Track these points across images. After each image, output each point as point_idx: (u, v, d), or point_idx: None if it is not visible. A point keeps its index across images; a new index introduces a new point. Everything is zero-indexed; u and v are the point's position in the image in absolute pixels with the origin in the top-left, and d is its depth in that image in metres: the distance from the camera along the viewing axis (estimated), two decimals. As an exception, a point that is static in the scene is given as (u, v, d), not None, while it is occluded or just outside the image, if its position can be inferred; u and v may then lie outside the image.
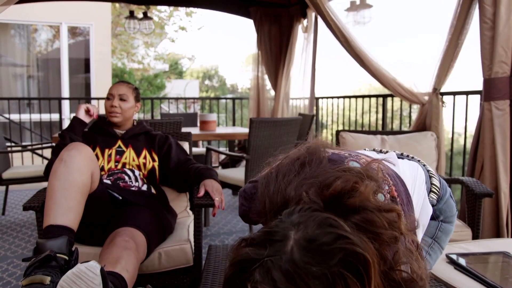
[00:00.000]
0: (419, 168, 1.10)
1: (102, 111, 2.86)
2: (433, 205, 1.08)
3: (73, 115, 2.19)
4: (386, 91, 3.05)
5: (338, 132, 2.52)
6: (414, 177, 1.06)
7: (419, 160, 1.17)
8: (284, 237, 0.63)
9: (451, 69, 2.50)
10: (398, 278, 0.68)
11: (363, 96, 4.16)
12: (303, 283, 0.58)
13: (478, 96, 2.37)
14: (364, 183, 0.73)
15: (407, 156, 1.18)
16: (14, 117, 5.97)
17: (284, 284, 0.59)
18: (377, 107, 3.92)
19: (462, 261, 1.37)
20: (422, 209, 1.04)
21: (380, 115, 3.87)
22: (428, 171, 1.12)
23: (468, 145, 2.43)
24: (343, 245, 0.61)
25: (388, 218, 0.69)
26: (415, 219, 0.93)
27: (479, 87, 2.28)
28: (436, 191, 1.09)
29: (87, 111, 1.96)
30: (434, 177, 1.11)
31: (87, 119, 1.95)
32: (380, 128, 3.92)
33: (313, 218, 0.65)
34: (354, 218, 0.67)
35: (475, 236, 1.81)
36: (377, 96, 3.93)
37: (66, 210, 1.31)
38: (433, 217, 1.12)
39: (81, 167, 1.40)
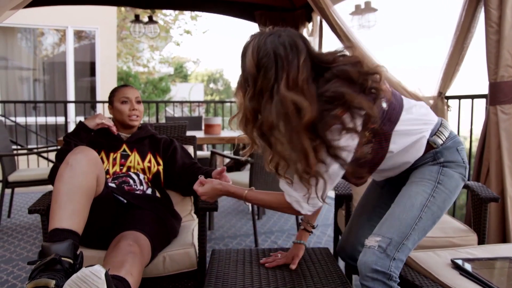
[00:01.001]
0: (430, 110, 1.36)
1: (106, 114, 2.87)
2: (436, 147, 1.30)
3: (78, 118, 2.18)
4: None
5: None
6: (416, 103, 1.33)
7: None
8: (278, 30, 1.20)
9: (456, 73, 2.49)
10: (335, 72, 1.17)
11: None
12: (270, 38, 1.16)
13: (483, 100, 2.35)
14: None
15: None
16: (20, 120, 6.02)
17: (262, 42, 1.16)
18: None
19: (467, 266, 1.36)
20: (411, 125, 1.28)
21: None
22: (442, 123, 1.34)
23: (474, 149, 2.41)
24: (294, 38, 1.16)
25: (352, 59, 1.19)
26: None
27: (485, 91, 2.27)
28: (440, 138, 1.30)
29: (100, 124, 1.93)
30: (444, 128, 1.33)
31: (95, 128, 1.94)
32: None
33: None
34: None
35: (481, 241, 1.80)
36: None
37: (71, 214, 1.31)
38: (435, 160, 1.31)
39: (87, 170, 1.40)
